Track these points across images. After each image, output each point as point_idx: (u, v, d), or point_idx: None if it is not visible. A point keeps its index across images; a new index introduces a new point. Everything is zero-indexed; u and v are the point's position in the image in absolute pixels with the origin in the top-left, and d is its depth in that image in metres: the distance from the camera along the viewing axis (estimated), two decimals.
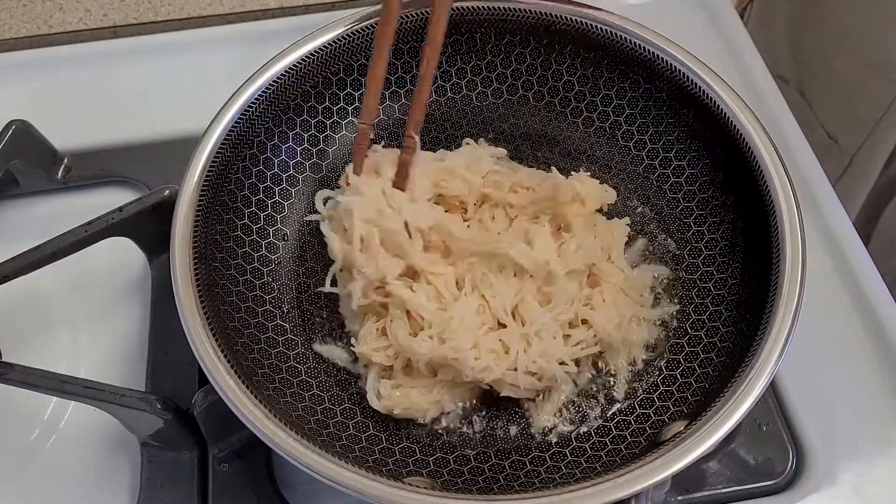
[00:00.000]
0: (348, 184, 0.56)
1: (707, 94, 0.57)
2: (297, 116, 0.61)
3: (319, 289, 0.57)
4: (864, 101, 0.85)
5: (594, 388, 0.54)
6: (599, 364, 0.55)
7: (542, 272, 0.54)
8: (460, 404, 0.53)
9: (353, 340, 0.55)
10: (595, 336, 0.53)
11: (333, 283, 0.56)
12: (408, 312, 0.53)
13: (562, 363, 0.52)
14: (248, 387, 0.45)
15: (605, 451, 0.50)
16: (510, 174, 0.59)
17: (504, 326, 0.53)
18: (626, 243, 0.59)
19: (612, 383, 0.54)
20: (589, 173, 0.58)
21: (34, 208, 0.69)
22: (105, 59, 0.78)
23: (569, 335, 0.53)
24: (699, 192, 0.59)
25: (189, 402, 0.51)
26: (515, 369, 0.51)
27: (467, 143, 0.62)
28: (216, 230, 0.54)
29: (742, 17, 0.97)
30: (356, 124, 0.61)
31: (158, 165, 0.68)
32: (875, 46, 0.80)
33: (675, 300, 0.57)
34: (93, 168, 0.70)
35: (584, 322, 0.54)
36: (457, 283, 0.54)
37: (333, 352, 0.56)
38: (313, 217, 0.60)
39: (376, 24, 0.57)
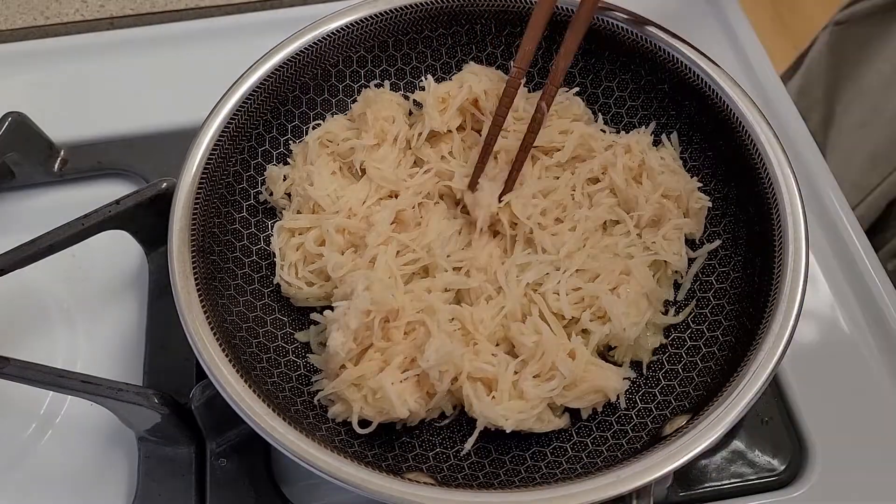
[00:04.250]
0: None
1: (709, 86, 0.56)
2: (295, 108, 0.60)
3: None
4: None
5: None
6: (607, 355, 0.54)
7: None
8: (458, 409, 0.52)
9: None
10: (608, 333, 0.52)
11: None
12: None
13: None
14: (246, 381, 0.45)
15: (606, 446, 0.50)
16: None
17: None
18: None
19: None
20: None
21: (30, 201, 0.68)
22: (102, 51, 0.78)
23: (586, 330, 0.52)
24: (701, 185, 0.58)
25: (187, 397, 0.51)
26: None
27: None
28: (214, 223, 0.54)
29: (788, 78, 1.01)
30: (510, 67, 0.61)
31: (156, 158, 0.68)
32: None
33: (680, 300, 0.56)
34: (90, 160, 0.69)
35: (601, 317, 0.52)
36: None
37: None
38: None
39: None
